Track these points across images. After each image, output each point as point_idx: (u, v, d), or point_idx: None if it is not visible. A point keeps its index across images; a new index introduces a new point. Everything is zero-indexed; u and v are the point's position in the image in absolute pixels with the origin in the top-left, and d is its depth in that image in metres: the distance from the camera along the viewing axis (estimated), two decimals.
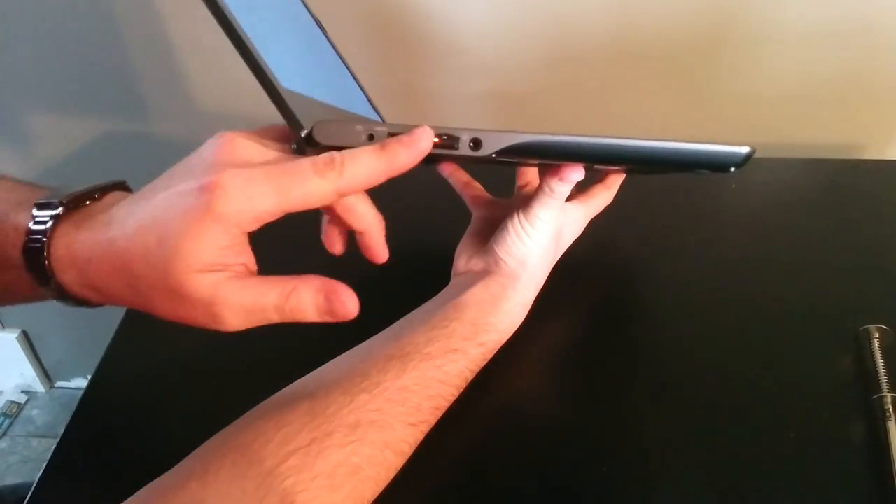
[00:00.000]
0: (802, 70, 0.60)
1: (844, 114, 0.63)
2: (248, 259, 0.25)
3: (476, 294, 0.35)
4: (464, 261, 0.38)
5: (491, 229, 0.38)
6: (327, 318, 0.25)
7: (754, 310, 0.41)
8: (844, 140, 0.65)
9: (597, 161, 0.28)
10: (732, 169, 0.25)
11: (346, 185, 0.24)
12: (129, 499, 0.25)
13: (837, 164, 0.58)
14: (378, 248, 0.30)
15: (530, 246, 0.36)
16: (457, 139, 0.27)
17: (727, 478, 0.31)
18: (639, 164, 0.27)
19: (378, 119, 0.44)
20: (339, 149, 0.26)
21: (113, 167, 0.79)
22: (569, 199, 0.36)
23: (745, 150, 0.25)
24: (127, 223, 0.23)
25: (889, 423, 0.32)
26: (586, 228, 0.41)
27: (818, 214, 0.50)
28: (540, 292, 0.38)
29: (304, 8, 0.41)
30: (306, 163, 0.24)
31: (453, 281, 0.38)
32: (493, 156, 0.27)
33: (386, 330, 0.34)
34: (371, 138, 0.27)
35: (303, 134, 0.27)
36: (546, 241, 0.36)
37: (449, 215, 0.42)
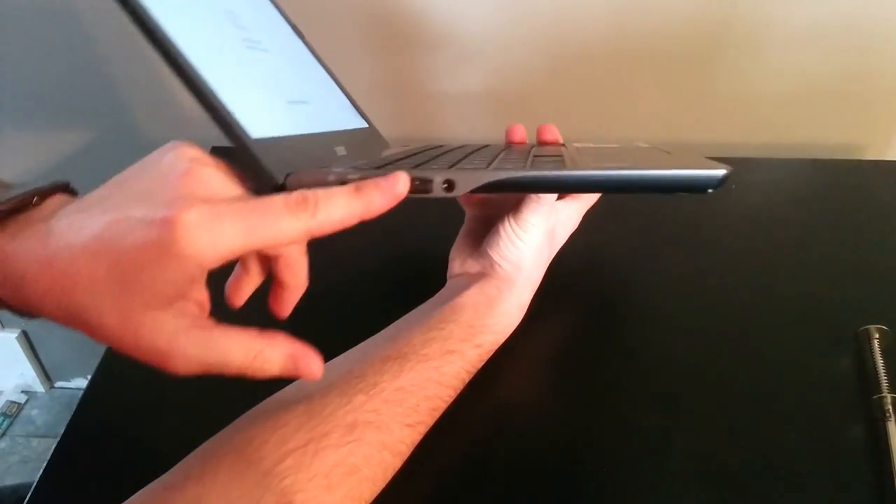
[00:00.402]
0: (802, 70, 0.60)
1: (844, 114, 0.63)
2: (203, 296, 0.24)
3: (472, 296, 0.35)
4: (459, 263, 0.38)
5: (485, 228, 0.38)
6: (285, 377, 0.25)
7: (754, 310, 0.41)
8: (844, 140, 0.65)
9: (572, 191, 0.28)
10: (710, 191, 0.25)
11: (318, 225, 0.23)
12: (129, 499, 0.25)
13: (837, 164, 0.58)
14: (292, 306, 0.29)
15: (523, 249, 0.35)
16: (430, 181, 0.26)
17: (727, 478, 0.31)
18: (614, 191, 0.27)
19: (364, 123, 0.43)
20: None
21: (101, 174, 0.79)
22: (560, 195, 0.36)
23: (720, 172, 0.25)
24: (69, 239, 0.21)
25: (889, 423, 0.32)
26: (584, 229, 0.41)
27: (818, 214, 0.50)
28: (537, 293, 0.38)
29: (277, 13, 0.41)
30: (278, 200, 0.23)
31: (449, 283, 0.38)
32: (468, 194, 0.27)
33: (383, 331, 0.34)
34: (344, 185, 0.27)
35: (275, 185, 0.27)
36: (539, 243, 0.36)
37: (444, 216, 0.41)
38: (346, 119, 0.41)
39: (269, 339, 0.24)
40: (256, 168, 0.26)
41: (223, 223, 0.21)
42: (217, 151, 0.27)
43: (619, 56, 0.61)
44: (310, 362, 0.24)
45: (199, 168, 0.23)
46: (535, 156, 0.32)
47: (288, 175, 0.27)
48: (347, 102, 0.43)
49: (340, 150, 0.35)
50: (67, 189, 0.25)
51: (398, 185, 0.25)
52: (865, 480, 0.31)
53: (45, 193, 0.24)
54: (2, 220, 0.22)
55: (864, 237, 0.47)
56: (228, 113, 0.26)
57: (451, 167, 0.28)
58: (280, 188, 0.27)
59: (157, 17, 0.25)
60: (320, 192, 0.23)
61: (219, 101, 0.26)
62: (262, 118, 0.28)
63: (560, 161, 0.28)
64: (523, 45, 0.62)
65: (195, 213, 0.21)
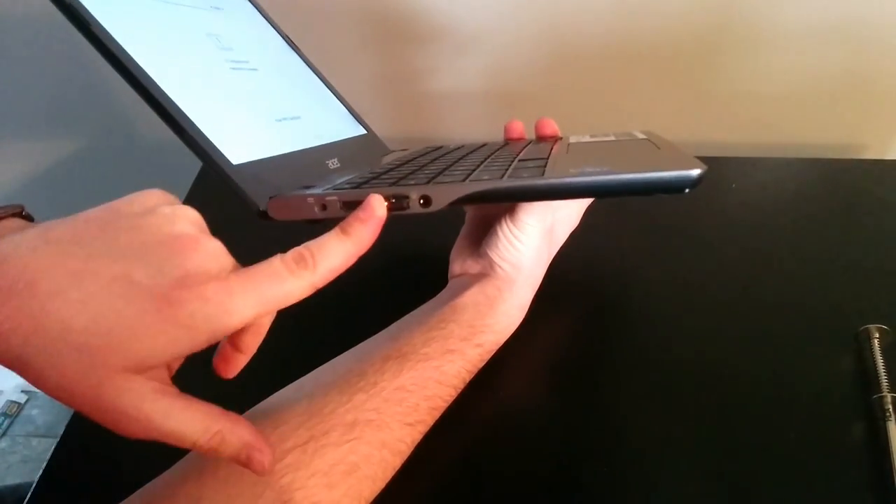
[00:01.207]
0: (802, 70, 0.60)
1: (844, 114, 0.63)
2: (178, 361, 0.23)
3: (473, 296, 0.35)
4: (459, 263, 0.38)
5: (485, 228, 0.38)
6: (235, 462, 0.23)
7: (754, 310, 0.41)
8: (844, 140, 0.65)
9: (548, 198, 0.29)
10: (687, 190, 0.25)
11: (320, 279, 0.23)
12: (129, 498, 0.25)
13: (837, 164, 0.58)
14: (238, 370, 0.27)
15: (522, 250, 0.35)
16: (407, 198, 0.27)
17: (727, 478, 0.31)
18: (590, 196, 0.27)
19: (362, 130, 0.43)
20: (294, 222, 0.27)
21: (98, 175, 0.79)
22: None
23: (695, 172, 0.25)
24: (35, 276, 0.19)
25: (889, 423, 0.32)
26: (585, 228, 0.41)
27: (818, 214, 0.50)
28: (538, 293, 0.38)
29: (270, 28, 0.41)
30: (278, 264, 0.22)
31: (450, 283, 0.38)
32: (446, 208, 0.27)
33: (383, 331, 0.34)
34: (324, 208, 0.27)
35: (258, 211, 0.27)
36: (537, 243, 0.36)
37: (444, 216, 0.41)
38: (341, 129, 0.41)
39: (231, 421, 0.22)
40: (239, 195, 0.27)
41: (236, 298, 0.21)
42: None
43: (619, 55, 0.61)
44: (263, 457, 0.23)
45: (206, 241, 0.22)
46: (520, 159, 0.32)
47: (270, 199, 0.27)
48: (344, 110, 0.43)
49: (333, 163, 0.35)
50: (21, 213, 0.23)
51: (377, 210, 0.26)
52: (865, 480, 0.30)
53: None
54: None
55: (864, 237, 0.47)
56: (206, 140, 0.26)
57: (429, 181, 0.28)
58: (263, 214, 0.27)
59: (126, 48, 0.25)
60: (313, 246, 0.23)
61: (195, 129, 0.26)
62: (244, 142, 0.29)
63: (541, 167, 0.28)
64: (522, 42, 0.62)
65: (211, 291, 0.20)
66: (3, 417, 1.14)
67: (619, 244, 0.47)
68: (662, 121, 0.66)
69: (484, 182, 0.27)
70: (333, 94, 0.43)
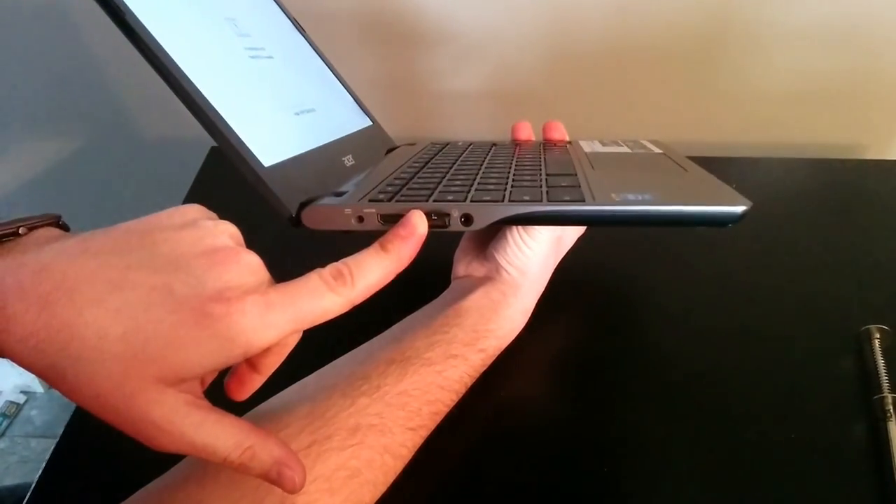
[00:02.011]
0: (802, 70, 0.60)
1: (844, 114, 0.63)
2: (212, 374, 0.23)
3: (477, 300, 0.35)
4: (464, 265, 0.38)
5: (492, 231, 0.38)
6: (264, 479, 0.22)
7: (754, 310, 0.41)
8: (845, 140, 0.65)
9: (594, 224, 0.28)
10: (730, 225, 0.25)
11: (358, 296, 0.23)
12: (129, 499, 0.25)
13: (837, 164, 0.58)
14: (251, 393, 0.26)
15: (530, 256, 0.35)
16: (448, 216, 0.27)
17: (727, 478, 0.31)
18: (634, 226, 0.27)
19: (368, 121, 0.43)
20: (327, 232, 0.26)
21: (99, 174, 0.79)
22: None
23: (741, 208, 0.25)
24: (76, 285, 0.19)
25: (889, 423, 0.32)
26: (587, 232, 0.41)
27: (818, 214, 0.50)
28: (540, 297, 0.38)
29: (275, 6, 0.40)
30: (316, 279, 0.22)
31: (453, 284, 0.38)
32: (485, 228, 0.27)
33: (386, 332, 0.34)
34: (361, 220, 0.27)
35: (289, 216, 0.27)
36: (546, 250, 0.36)
37: None
38: (350, 120, 0.40)
39: (263, 437, 0.22)
40: (270, 198, 0.26)
41: (274, 312, 0.21)
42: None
43: (621, 54, 0.61)
44: (294, 474, 0.22)
45: (245, 254, 0.22)
46: (549, 174, 0.31)
47: (302, 206, 0.27)
48: (351, 100, 0.43)
49: (348, 160, 0.35)
50: (57, 223, 0.23)
51: (418, 228, 0.26)
52: (865, 480, 0.31)
53: (33, 226, 0.21)
54: None
55: (864, 237, 0.47)
56: (242, 144, 0.25)
57: (467, 196, 0.28)
58: (293, 220, 0.27)
59: (165, 46, 0.24)
60: (352, 262, 0.23)
61: (231, 132, 0.25)
62: (271, 141, 0.28)
63: (576, 187, 0.28)
64: (525, 42, 0.62)
65: (250, 304, 0.20)
66: (2, 418, 1.13)
67: (618, 245, 0.47)
68: (663, 120, 0.66)
69: (527, 204, 0.27)
70: (340, 82, 0.43)
